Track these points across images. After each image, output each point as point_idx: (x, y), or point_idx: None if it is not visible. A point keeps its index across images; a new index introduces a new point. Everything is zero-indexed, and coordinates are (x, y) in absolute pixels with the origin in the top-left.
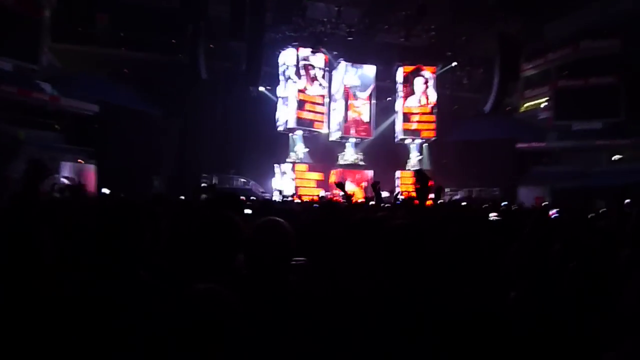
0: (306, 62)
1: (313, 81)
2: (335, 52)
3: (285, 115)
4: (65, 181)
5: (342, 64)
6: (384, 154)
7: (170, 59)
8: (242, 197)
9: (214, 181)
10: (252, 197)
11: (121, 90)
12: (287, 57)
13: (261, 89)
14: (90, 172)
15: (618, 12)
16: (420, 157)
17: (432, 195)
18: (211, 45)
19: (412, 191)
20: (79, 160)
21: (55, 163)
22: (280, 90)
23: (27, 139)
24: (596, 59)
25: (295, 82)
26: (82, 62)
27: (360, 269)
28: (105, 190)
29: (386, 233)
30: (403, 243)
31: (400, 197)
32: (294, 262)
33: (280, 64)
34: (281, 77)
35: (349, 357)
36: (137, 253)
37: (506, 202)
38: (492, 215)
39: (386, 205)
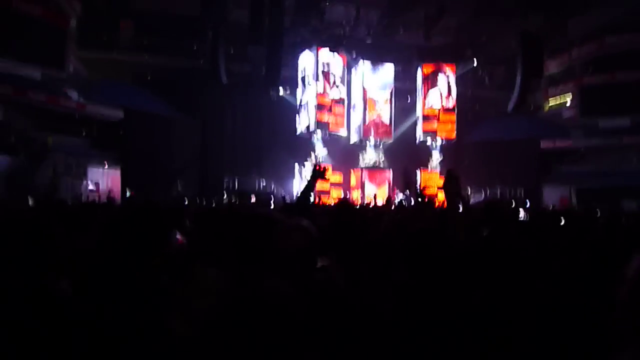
0: (325, 69)
1: (332, 86)
2: (354, 53)
3: (305, 119)
4: (92, 187)
5: (361, 65)
6: (405, 155)
7: (192, 64)
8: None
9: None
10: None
11: (144, 95)
12: (306, 62)
13: (281, 92)
14: (116, 177)
15: None
16: (441, 158)
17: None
18: (231, 50)
19: (439, 191)
20: (105, 165)
21: (82, 168)
22: (299, 96)
23: (55, 145)
24: (622, 54)
25: (313, 86)
26: (107, 69)
27: (384, 270)
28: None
29: (409, 236)
30: (425, 247)
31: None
32: (319, 265)
33: (299, 70)
34: (300, 83)
35: (373, 357)
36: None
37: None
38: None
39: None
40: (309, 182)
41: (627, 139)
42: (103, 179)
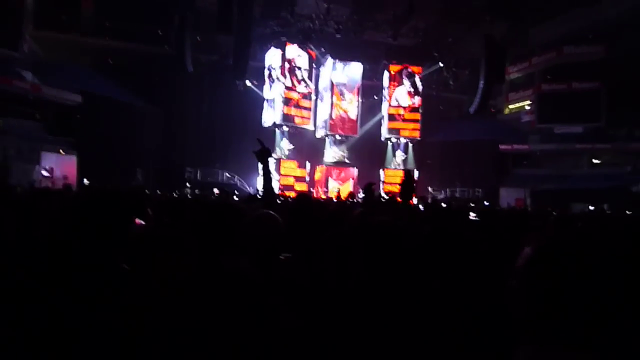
0: (292, 65)
1: (299, 82)
2: (322, 49)
3: (272, 114)
4: (45, 172)
5: (330, 61)
6: (369, 152)
7: (156, 50)
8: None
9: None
10: (235, 192)
11: (105, 80)
12: (273, 59)
13: (248, 83)
14: (72, 163)
15: (602, 19)
16: (404, 157)
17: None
18: (198, 38)
19: (397, 190)
20: (60, 151)
21: (35, 153)
22: (266, 92)
23: (6, 127)
24: (579, 64)
25: (281, 81)
26: (65, 51)
27: (341, 264)
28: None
29: (367, 229)
30: (383, 239)
31: (384, 196)
32: (281, 257)
33: (266, 66)
34: (267, 79)
35: (335, 351)
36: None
37: (487, 203)
38: (472, 216)
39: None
40: (263, 170)
41: (579, 145)
42: (58, 165)
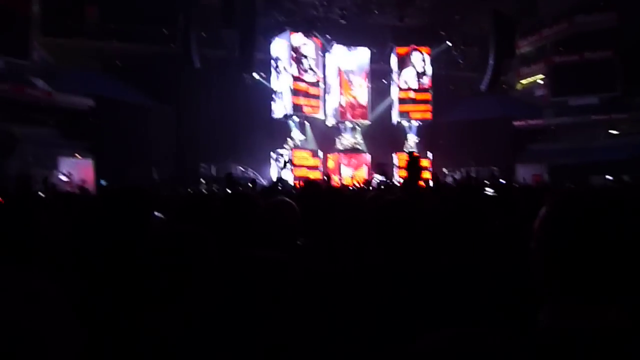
0: (298, 54)
1: (307, 70)
2: (328, 36)
3: (281, 105)
4: (64, 177)
5: (336, 48)
6: (382, 137)
7: (163, 49)
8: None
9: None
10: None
11: (115, 83)
12: (279, 49)
13: (255, 76)
14: (88, 167)
15: None
16: (417, 139)
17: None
18: (203, 34)
19: (405, 175)
20: (76, 155)
21: (53, 159)
22: (274, 84)
23: (22, 135)
24: (591, 34)
25: (288, 71)
26: (74, 56)
27: (355, 245)
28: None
29: (379, 207)
30: (395, 216)
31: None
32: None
33: (272, 56)
34: (273, 71)
35: (352, 332)
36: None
37: (503, 181)
38: (490, 191)
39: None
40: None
41: (595, 116)
42: (75, 170)
